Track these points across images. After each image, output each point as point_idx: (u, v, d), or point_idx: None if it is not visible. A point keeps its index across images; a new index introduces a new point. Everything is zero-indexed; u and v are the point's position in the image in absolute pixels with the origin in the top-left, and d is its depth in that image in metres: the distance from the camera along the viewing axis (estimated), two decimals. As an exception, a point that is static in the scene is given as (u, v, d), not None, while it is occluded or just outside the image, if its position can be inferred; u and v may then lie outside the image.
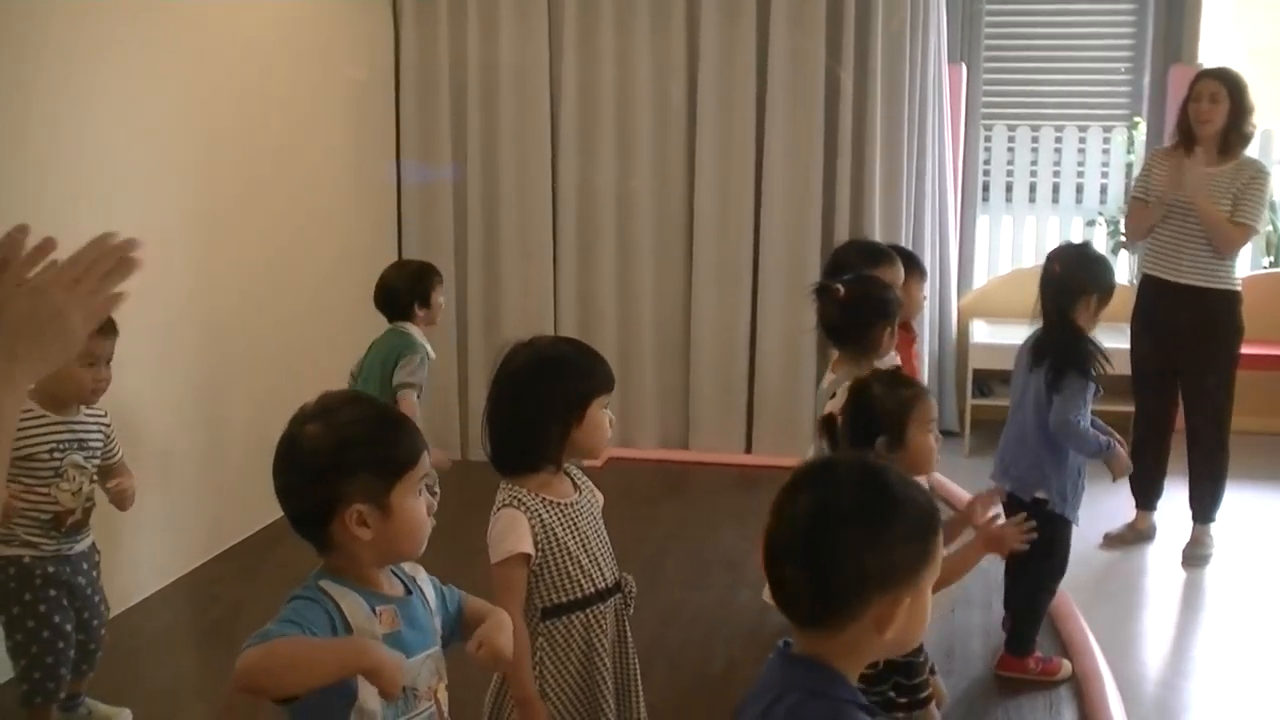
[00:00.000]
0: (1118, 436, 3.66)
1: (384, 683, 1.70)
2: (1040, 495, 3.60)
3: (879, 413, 2.77)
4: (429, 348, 4.21)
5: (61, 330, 1.28)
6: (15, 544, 3.06)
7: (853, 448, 2.78)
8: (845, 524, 1.49)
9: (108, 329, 3.06)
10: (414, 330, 4.19)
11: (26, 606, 3.08)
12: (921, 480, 2.87)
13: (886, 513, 1.50)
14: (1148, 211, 4.65)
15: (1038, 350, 3.69)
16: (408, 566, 1.96)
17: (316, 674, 1.70)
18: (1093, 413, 3.63)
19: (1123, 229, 4.92)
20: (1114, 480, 3.70)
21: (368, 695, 1.78)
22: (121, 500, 3.19)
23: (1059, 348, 3.60)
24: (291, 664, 1.68)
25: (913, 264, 4.22)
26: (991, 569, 4.07)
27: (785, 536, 1.53)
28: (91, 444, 3.16)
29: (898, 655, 1.54)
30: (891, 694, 2.80)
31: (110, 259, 1.32)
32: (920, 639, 1.53)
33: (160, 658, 3.90)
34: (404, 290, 4.23)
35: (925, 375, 5.49)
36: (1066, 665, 3.76)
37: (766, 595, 1.68)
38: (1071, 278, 3.66)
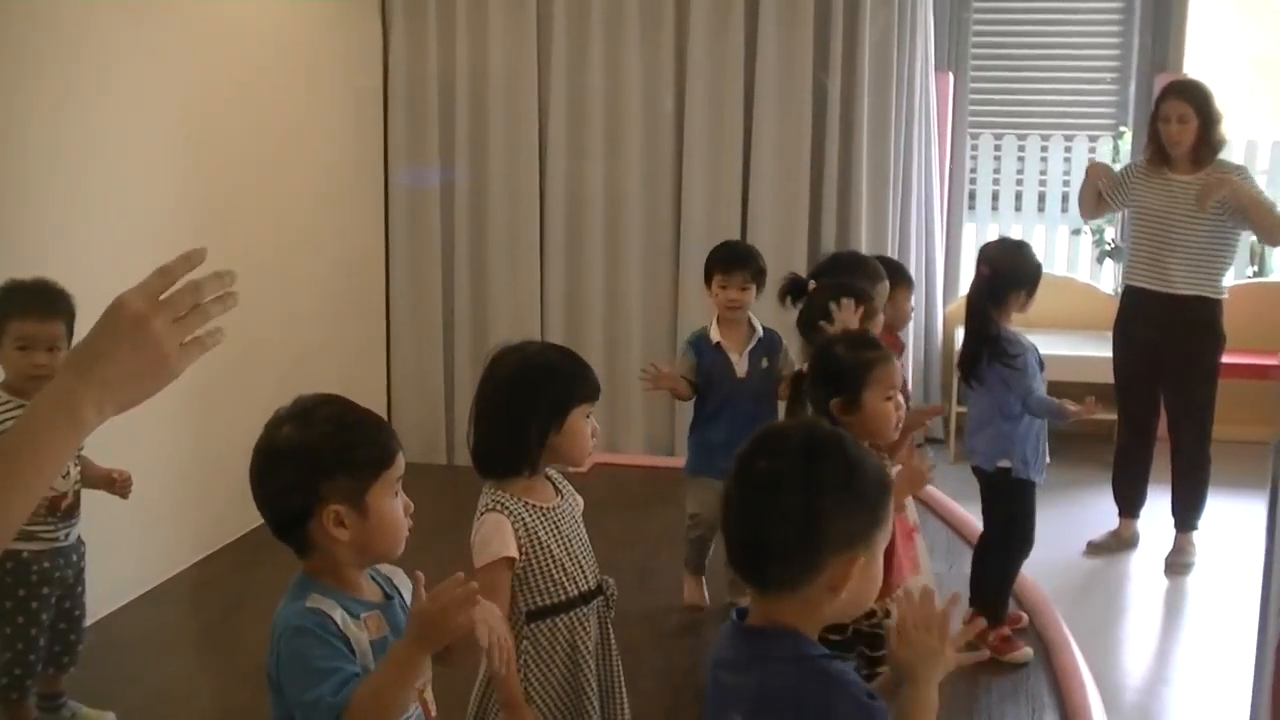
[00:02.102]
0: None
1: (457, 631, 1.74)
2: (1003, 464, 3.82)
3: (836, 371, 2.79)
4: (710, 329, 4.06)
5: (156, 361, 1.25)
6: (15, 537, 3.05)
7: (812, 405, 2.85)
8: (800, 489, 1.55)
9: (47, 313, 2.94)
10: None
11: (20, 602, 3.09)
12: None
13: (840, 478, 1.57)
14: (1093, 193, 4.77)
15: (965, 367, 3.89)
16: (385, 569, 1.97)
17: (406, 696, 1.76)
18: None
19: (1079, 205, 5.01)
20: (1070, 419, 3.81)
21: None
22: (125, 487, 3.14)
23: (987, 351, 3.79)
24: (389, 706, 1.73)
25: (900, 274, 4.24)
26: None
27: (741, 502, 1.61)
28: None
29: (851, 617, 1.65)
30: (855, 663, 2.82)
31: (210, 290, 1.29)
32: (872, 600, 1.63)
33: (149, 658, 3.90)
34: None
35: (910, 384, 5.52)
36: (1027, 651, 3.87)
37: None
38: (1003, 276, 3.83)
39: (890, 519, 1.63)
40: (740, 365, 4.01)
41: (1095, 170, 4.80)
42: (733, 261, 4.04)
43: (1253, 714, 2.58)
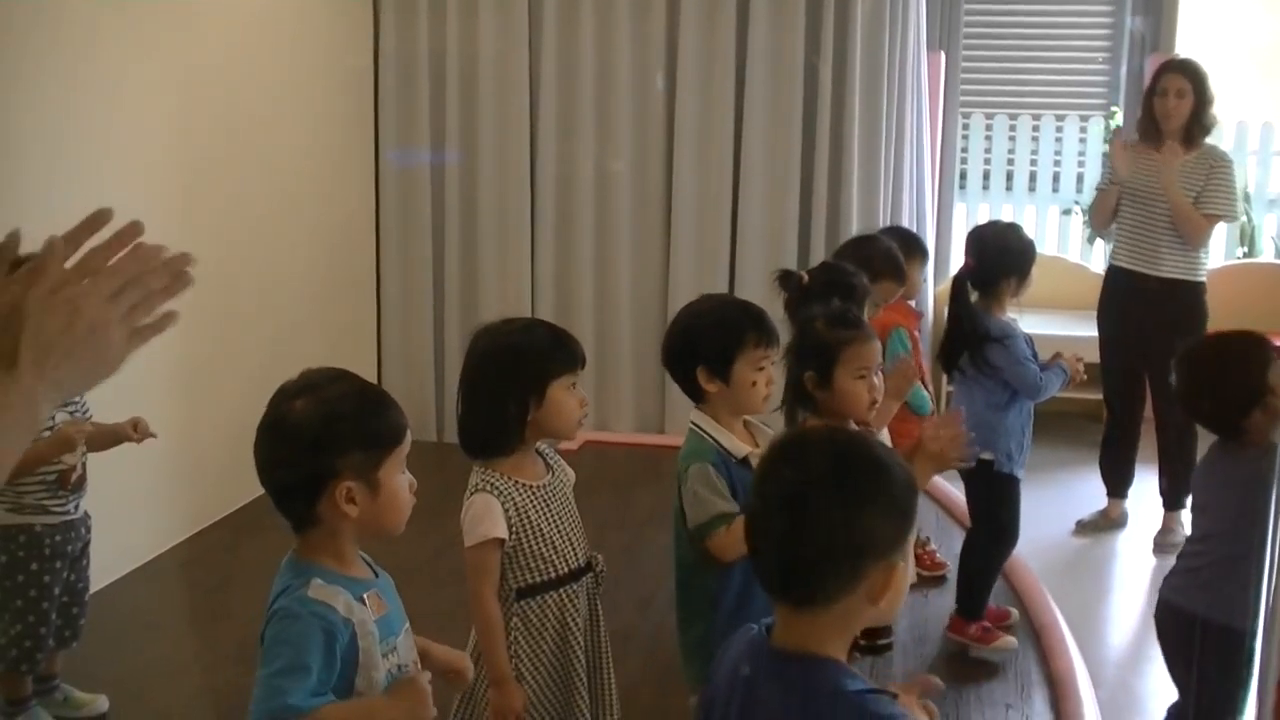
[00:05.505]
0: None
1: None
2: (986, 456, 3.67)
3: (812, 346, 2.73)
4: (718, 435, 2.59)
5: (99, 346, 1.16)
6: (26, 511, 3.07)
7: (790, 379, 2.76)
8: (838, 502, 1.48)
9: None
10: None
11: (32, 575, 3.11)
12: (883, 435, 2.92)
13: (874, 485, 1.50)
14: (1106, 196, 4.76)
15: (946, 356, 3.77)
16: None
17: None
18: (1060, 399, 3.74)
19: (1086, 218, 5.01)
20: (1079, 381, 3.77)
21: (365, 687, 1.80)
22: (145, 432, 3.15)
23: (970, 344, 3.67)
24: None
25: (913, 246, 4.26)
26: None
27: (773, 518, 1.52)
28: (72, 399, 3.11)
29: (884, 623, 1.58)
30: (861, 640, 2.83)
31: (161, 276, 1.20)
32: (903, 603, 1.56)
33: (138, 635, 3.90)
34: None
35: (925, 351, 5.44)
36: (1010, 640, 3.82)
37: None
38: (991, 262, 3.71)
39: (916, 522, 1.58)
40: None
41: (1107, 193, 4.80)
42: (771, 328, 2.66)
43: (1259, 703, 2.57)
